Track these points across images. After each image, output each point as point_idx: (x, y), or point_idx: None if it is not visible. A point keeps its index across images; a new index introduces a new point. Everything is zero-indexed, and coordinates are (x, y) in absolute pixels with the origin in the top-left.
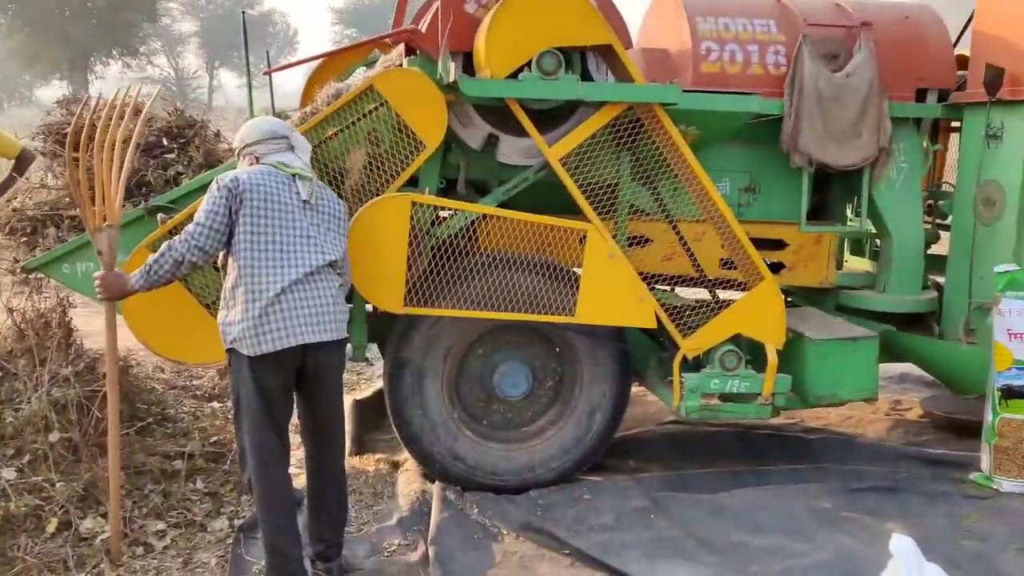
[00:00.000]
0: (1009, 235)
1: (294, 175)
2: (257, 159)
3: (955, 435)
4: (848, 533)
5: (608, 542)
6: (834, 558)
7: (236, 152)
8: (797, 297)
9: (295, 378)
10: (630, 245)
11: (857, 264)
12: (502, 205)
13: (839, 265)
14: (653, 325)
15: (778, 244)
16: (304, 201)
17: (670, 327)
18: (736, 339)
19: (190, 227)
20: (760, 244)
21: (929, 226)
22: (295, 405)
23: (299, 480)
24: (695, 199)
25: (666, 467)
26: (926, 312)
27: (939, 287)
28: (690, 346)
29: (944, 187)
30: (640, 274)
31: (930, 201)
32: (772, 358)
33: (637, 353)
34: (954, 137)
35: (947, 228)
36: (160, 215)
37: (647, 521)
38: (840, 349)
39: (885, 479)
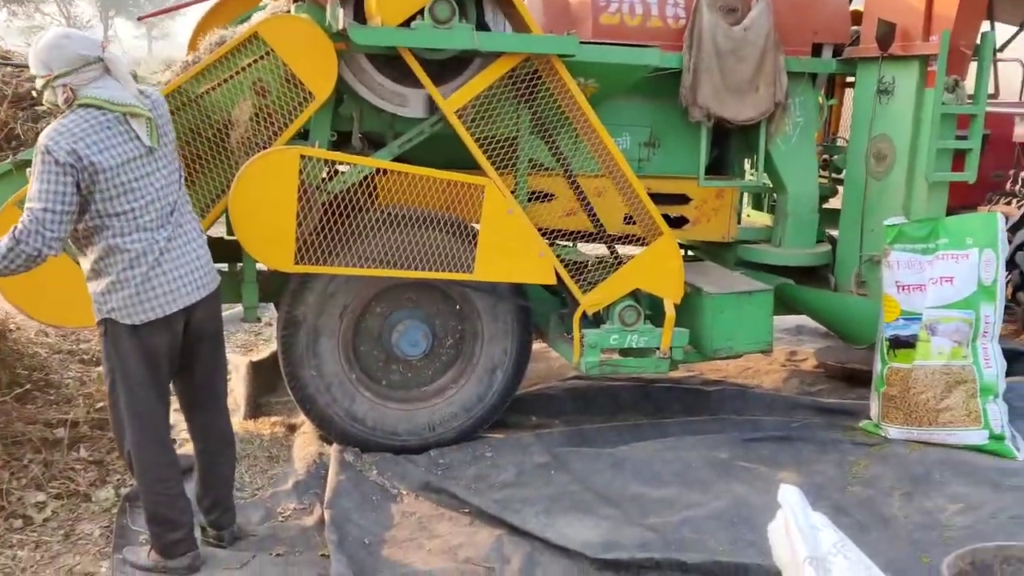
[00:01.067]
0: (899, 189)
1: (125, 114)
2: (74, 92)
3: (847, 384)
4: (743, 482)
5: (507, 499)
6: (729, 507)
7: (42, 83)
8: (700, 252)
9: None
10: (530, 201)
11: (757, 218)
12: (399, 159)
13: (739, 220)
14: (553, 281)
15: (681, 199)
16: (149, 148)
17: (570, 283)
18: (635, 294)
19: (37, 213)
20: (663, 199)
21: (825, 181)
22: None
23: (184, 449)
24: (594, 154)
25: (568, 423)
26: (821, 265)
27: (834, 241)
28: (590, 302)
29: (838, 142)
30: (540, 230)
31: (825, 156)
32: (670, 313)
33: (538, 309)
34: (848, 92)
35: (841, 182)
36: (29, 170)
37: (547, 477)
38: (736, 303)
39: (779, 429)
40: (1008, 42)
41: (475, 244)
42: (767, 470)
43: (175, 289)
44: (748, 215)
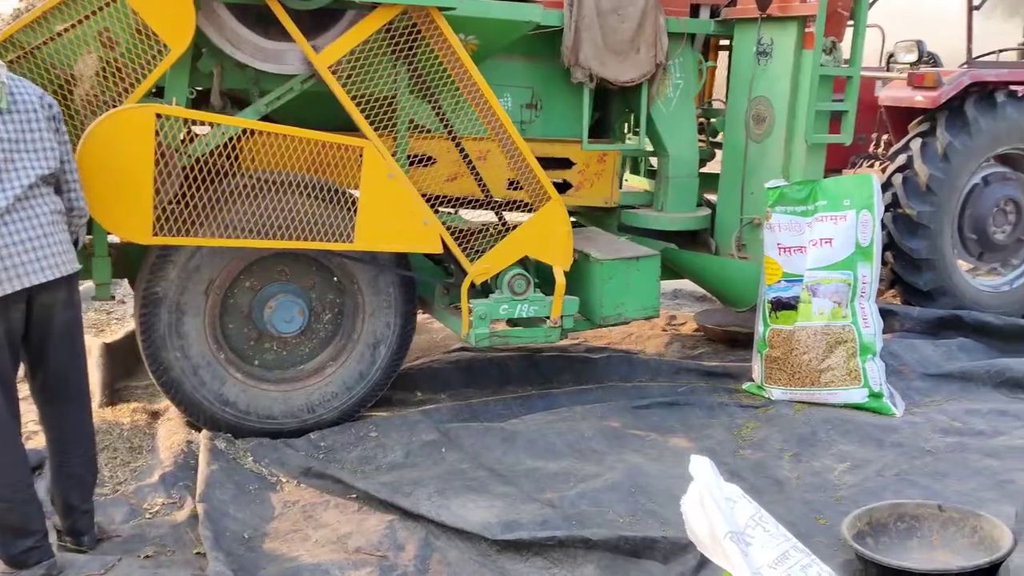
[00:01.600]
0: (778, 151)
1: None
2: None
3: (728, 347)
4: (637, 451)
5: (397, 481)
6: (625, 477)
7: None
8: (582, 217)
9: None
10: (412, 165)
11: (636, 183)
12: (266, 119)
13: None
14: (439, 250)
15: (564, 163)
16: None
17: (457, 252)
18: (524, 262)
19: None
20: (546, 163)
21: (703, 144)
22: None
23: (35, 442)
24: (478, 114)
25: (455, 397)
26: (701, 229)
27: (713, 205)
28: (478, 271)
29: (715, 105)
30: (423, 196)
31: (702, 119)
32: (560, 280)
33: (422, 280)
34: (724, 54)
35: (719, 146)
36: None
37: (438, 455)
38: (624, 269)
39: (667, 394)
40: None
41: (354, 211)
42: (658, 437)
43: (10, 267)
44: (627, 179)
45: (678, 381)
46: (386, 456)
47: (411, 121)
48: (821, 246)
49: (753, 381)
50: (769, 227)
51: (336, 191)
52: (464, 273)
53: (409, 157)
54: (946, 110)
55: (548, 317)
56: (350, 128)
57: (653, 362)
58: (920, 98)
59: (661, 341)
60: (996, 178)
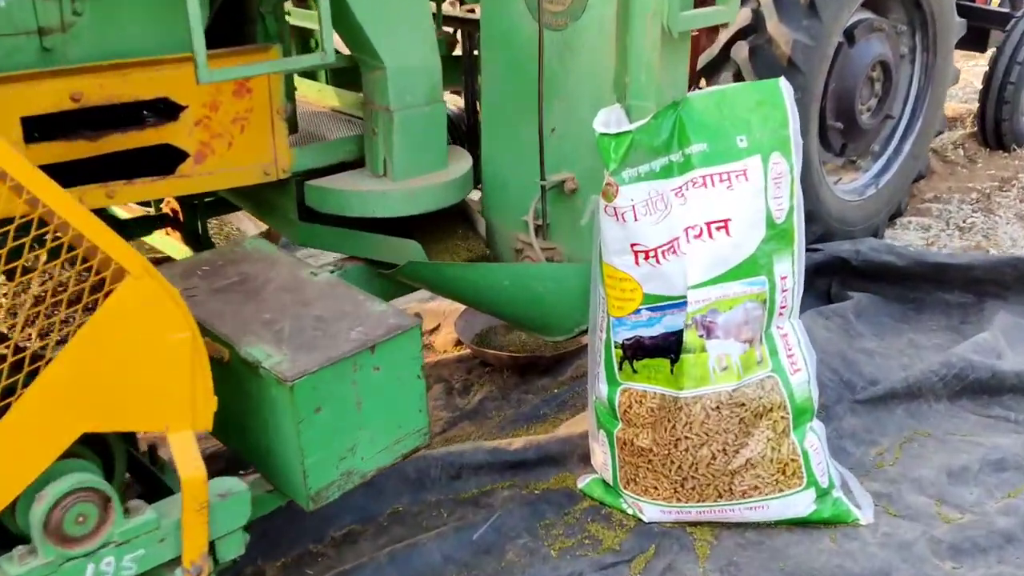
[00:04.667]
0: (603, 47)
1: None
2: None
3: (518, 378)
4: None
5: None
6: None
7: None
8: (213, 215)
9: None
10: None
11: (325, 98)
12: None
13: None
14: None
15: (161, 109)
16: None
17: None
18: (81, 454)
19: None
20: (117, 117)
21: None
22: None
23: None
24: None
25: None
26: (458, 205)
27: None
28: None
29: None
30: None
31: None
32: (189, 475)
33: None
34: None
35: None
36: None
37: None
38: (348, 379)
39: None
40: None
41: None
42: None
43: None
44: (306, 92)
45: (445, 493)
46: None
47: None
48: (710, 236)
49: (594, 476)
50: (611, 212)
51: None
52: None
53: None
54: None
55: (176, 562)
56: None
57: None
58: None
59: None
60: (862, 31)
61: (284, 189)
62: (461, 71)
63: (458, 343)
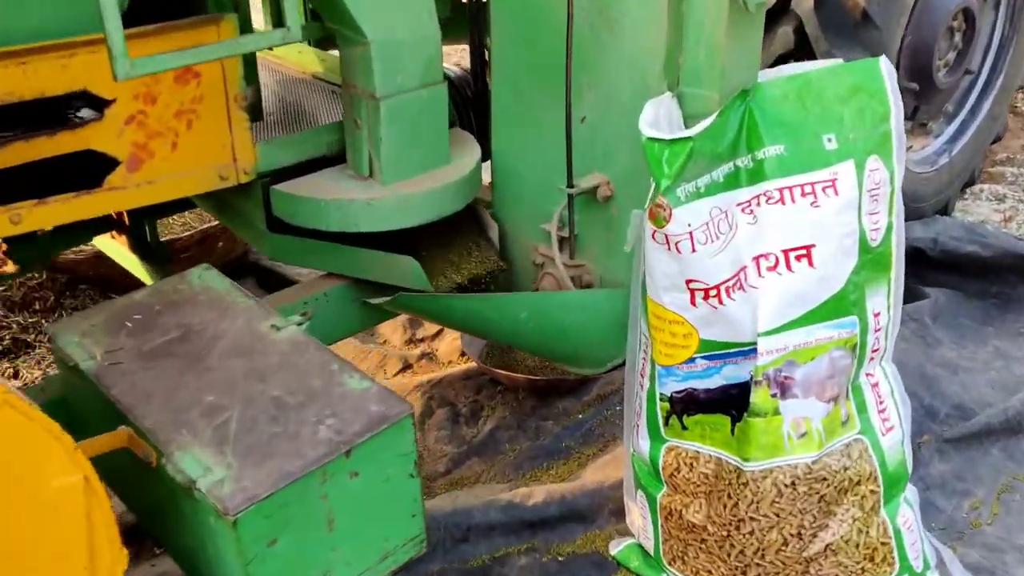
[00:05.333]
0: (651, 17)
1: None
2: None
3: (539, 401)
4: None
5: None
6: None
7: None
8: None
9: None
10: None
11: (305, 61)
12: None
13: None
14: None
15: (76, 107)
16: None
17: None
18: None
19: None
20: (12, 123)
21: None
22: None
23: None
24: None
25: None
26: (468, 208)
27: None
28: None
29: None
30: None
31: None
32: None
33: None
34: None
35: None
36: None
37: None
38: (312, 502)
39: None
40: None
41: None
42: None
43: None
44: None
45: (450, 560)
46: None
47: None
48: (787, 267)
49: (630, 540)
50: (661, 240)
51: None
52: None
53: None
54: None
55: None
56: None
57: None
58: None
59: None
60: None
61: (249, 193)
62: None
63: (465, 353)
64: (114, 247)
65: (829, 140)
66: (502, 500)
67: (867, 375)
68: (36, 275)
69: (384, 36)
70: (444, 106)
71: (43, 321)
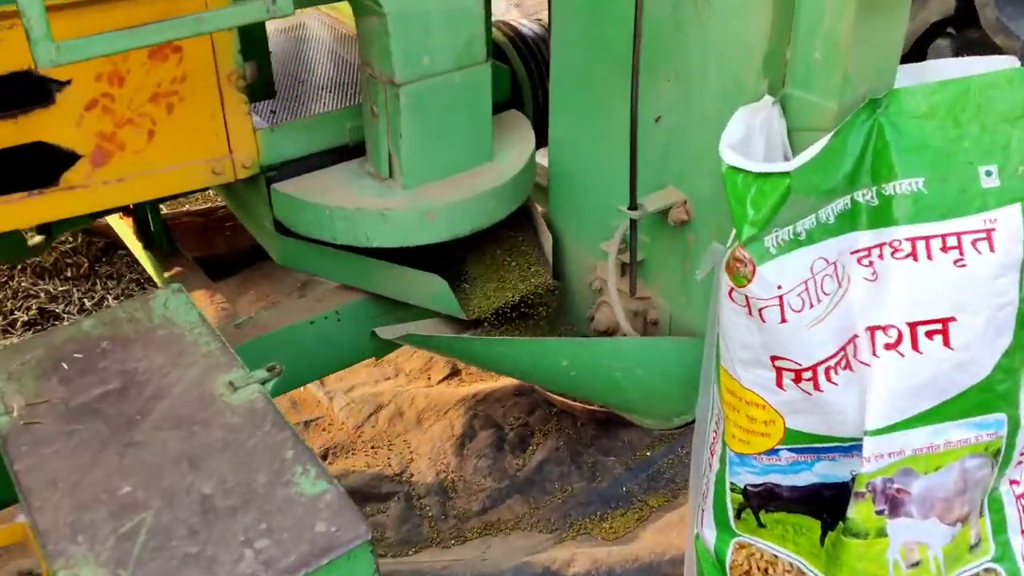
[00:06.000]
0: None
1: None
2: None
3: (599, 430)
4: None
5: None
6: None
7: None
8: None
9: None
10: None
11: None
12: None
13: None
14: None
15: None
16: None
17: None
18: None
19: None
20: None
21: None
22: None
23: None
24: None
25: None
26: (520, 216)
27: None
28: None
29: None
30: None
31: None
32: None
33: None
34: None
35: None
36: None
37: None
38: None
39: None
40: None
41: None
42: None
43: None
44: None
45: None
46: None
47: None
48: (914, 345)
49: None
50: (741, 302)
51: None
52: None
53: None
54: None
55: None
56: None
57: None
58: None
59: (443, 456)
60: None
61: (256, 187)
62: None
63: None
64: (123, 228)
65: (988, 174)
66: (536, 567)
67: (1011, 482)
68: (70, 238)
69: (405, 5)
70: (486, 91)
71: (74, 290)
